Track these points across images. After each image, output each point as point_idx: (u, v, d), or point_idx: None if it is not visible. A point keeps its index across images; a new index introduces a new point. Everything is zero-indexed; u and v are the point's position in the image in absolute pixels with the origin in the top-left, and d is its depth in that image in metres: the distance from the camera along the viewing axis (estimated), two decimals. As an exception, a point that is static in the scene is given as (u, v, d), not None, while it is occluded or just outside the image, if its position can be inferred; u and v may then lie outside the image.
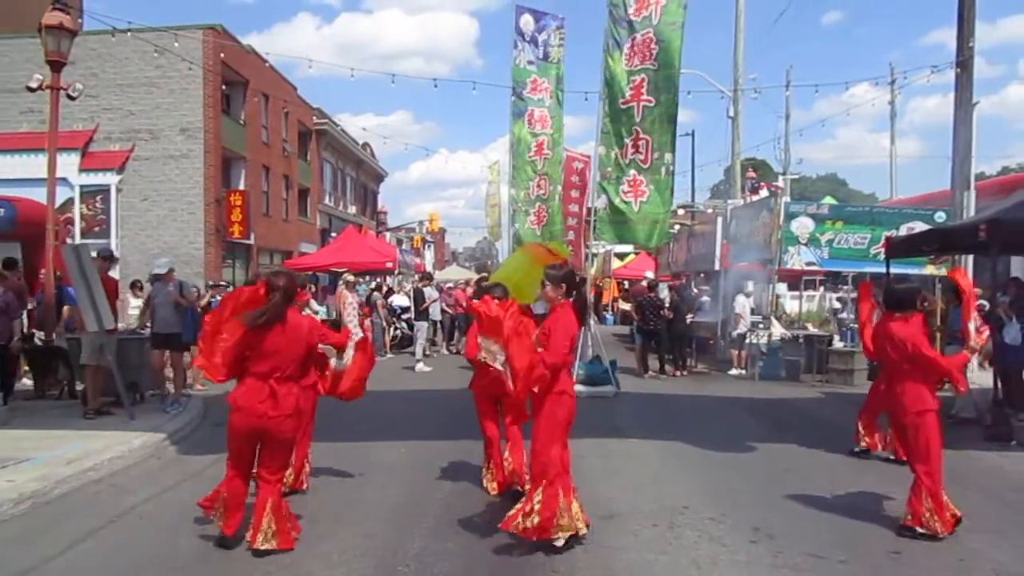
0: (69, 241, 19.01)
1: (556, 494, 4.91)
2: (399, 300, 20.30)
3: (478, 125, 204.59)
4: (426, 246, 61.91)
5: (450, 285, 22.52)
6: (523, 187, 15.61)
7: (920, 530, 5.33)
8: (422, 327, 16.60)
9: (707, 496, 6.42)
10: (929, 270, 13.85)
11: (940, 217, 13.38)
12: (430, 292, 17.45)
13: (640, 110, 12.31)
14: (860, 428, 8.16)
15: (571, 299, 5.27)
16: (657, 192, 12.62)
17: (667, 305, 15.20)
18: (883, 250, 12.36)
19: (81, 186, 23.29)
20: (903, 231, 13.27)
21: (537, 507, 4.89)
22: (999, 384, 9.10)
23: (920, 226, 13.19)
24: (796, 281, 19.22)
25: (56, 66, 10.69)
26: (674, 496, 6.34)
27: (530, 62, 14.95)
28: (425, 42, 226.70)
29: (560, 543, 4.95)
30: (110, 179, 23.54)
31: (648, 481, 6.93)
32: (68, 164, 21.63)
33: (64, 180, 20.51)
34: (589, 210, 14.42)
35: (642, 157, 12.42)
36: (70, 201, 22.65)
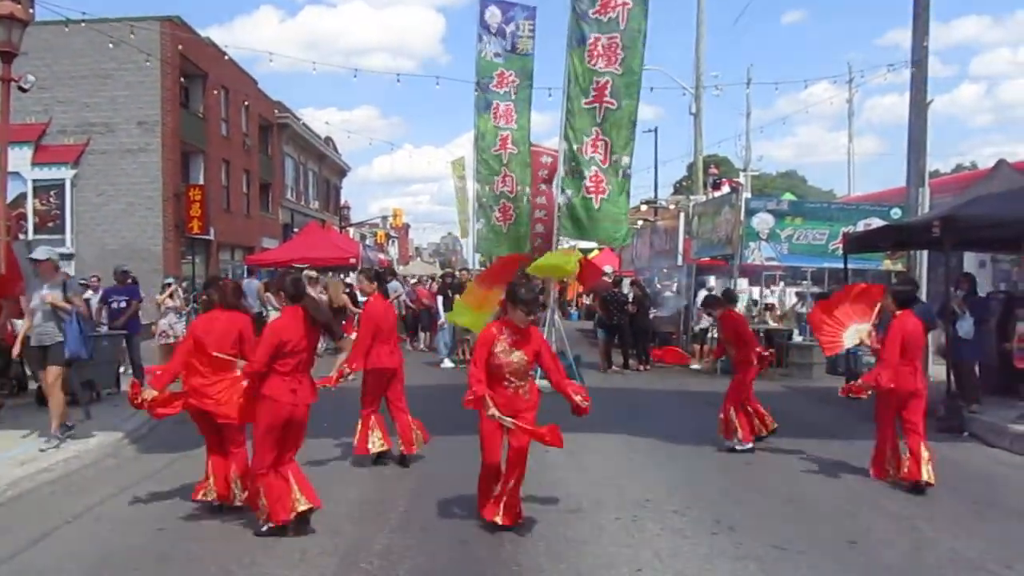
0: (21, 237, 18.58)
1: (257, 491, 5.24)
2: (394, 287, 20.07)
3: (444, 121, 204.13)
4: (390, 242, 61.51)
5: (414, 281, 22.43)
6: (488, 182, 15.57)
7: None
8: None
9: (669, 489, 6.49)
10: (886, 265, 14.12)
11: (896, 213, 13.64)
12: (395, 286, 17.35)
13: (602, 112, 12.41)
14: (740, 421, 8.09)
15: (298, 305, 5.42)
16: (617, 192, 12.75)
17: (631, 300, 15.29)
18: (841, 246, 12.59)
19: (34, 180, 22.74)
20: (860, 227, 13.51)
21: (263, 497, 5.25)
22: (952, 377, 9.32)
23: (877, 222, 13.43)
24: (756, 276, 19.48)
25: (7, 57, 10.38)
26: (637, 490, 6.39)
27: (496, 54, 14.87)
28: (391, 37, 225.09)
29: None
30: (64, 173, 23.00)
31: (611, 475, 6.98)
32: (20, 158, 21.06)
33: (16, 174, 19.95)
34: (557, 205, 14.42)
35: (601, 157, 12.53)
36: (22, 196, 22.10)
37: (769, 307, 16.84)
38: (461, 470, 6.79)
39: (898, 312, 6.90)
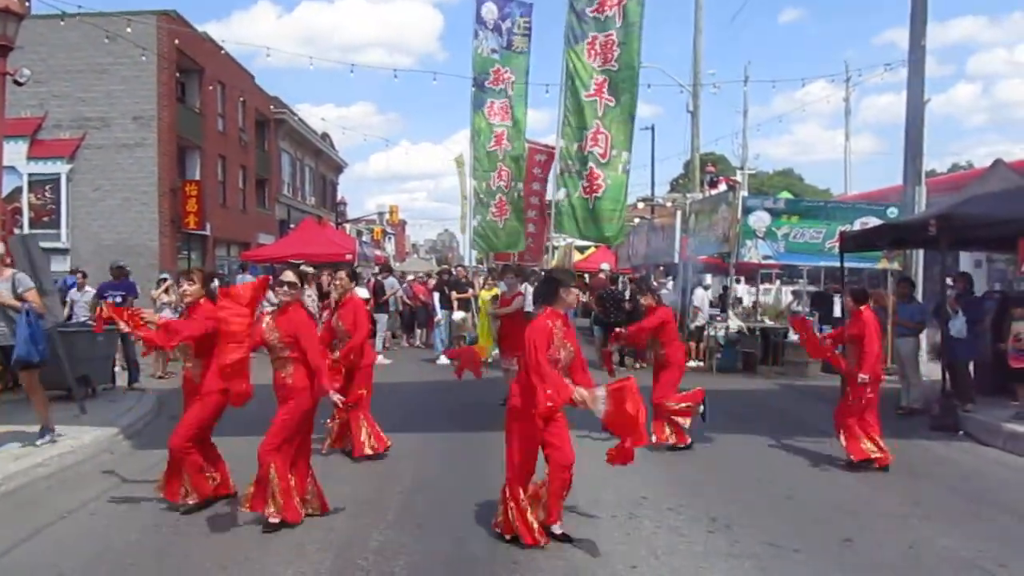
0: (16, 232, 18.50)
1: (267, 472, 5.18)
2: (361, 292, 20.07)
3: (441, 117, 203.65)
4: (386, 238, 61.46)
5: (411, 278, 22.40)
6: (484, 178, 15.60)
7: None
8: (382, 319, 16.48)
9: (665, 487, 6.50)
10: (882, 264, 14.12)
11: (892, 212, 13.64)
12: (391, 283, 17.33)
13: (601, 108, 12.44)
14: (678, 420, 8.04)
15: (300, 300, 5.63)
16: (614, 188, 12.77)
17: (628, 298, 15.29)
18: (837, 244, 12.60)
19: (29, 175, 22.70)
20: (857, 226, 13.49)
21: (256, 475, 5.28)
22: (947, 376, 9.33)
23: (873, 221, 13.42)
24: (753, 274, 19.51)
25: (2, 51, 10.33)
26: (633, 487, 6.39)
27: (493, 50, 14.88)
28: (388, 33, 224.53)
29: (273, 520, 5.14)
30: (60, 168, 22.96)
31: (607, 473, 6.93)
32: (16, 152, 21.03)
33: (12, 168, 19.95)
34: (550, 203, 14.43)
35: (601, 151, 12.56)
36: (18, 190, 22.04)
37: (759, 304, 16.93)
38: (456, 466, 6.80)
39: (861, 308, 7.31)
